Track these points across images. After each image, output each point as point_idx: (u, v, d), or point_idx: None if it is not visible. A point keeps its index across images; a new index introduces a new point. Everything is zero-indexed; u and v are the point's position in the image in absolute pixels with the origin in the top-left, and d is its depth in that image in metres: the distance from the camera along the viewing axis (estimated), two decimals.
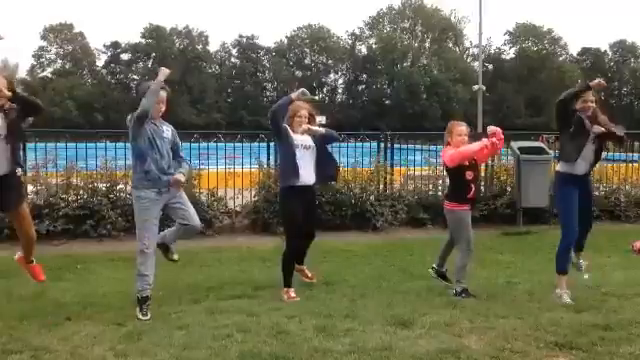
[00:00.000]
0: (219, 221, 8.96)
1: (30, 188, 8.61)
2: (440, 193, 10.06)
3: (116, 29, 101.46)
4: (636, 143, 12.23)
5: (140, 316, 4.75)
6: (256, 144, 10.04)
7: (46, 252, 6.91)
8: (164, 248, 5.30)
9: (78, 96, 55.41)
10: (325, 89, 65.58)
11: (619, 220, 10.11)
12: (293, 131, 5.49)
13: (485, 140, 5.30)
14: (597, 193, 10.29)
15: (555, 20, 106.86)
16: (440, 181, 10.24)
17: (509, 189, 10.02)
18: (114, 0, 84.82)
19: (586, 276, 5.43)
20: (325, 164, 5.63)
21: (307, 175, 5.45)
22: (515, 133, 13.43)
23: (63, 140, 9.16)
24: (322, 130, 5.66)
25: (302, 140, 5.49)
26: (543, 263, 6.32)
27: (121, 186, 8.74)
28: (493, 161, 10.55)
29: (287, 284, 5.45)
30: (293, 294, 5.39)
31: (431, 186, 10.16)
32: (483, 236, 8.80)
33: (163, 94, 4.95)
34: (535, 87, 59.57)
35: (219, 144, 9.55)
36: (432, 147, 11.15)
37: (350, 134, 10.92)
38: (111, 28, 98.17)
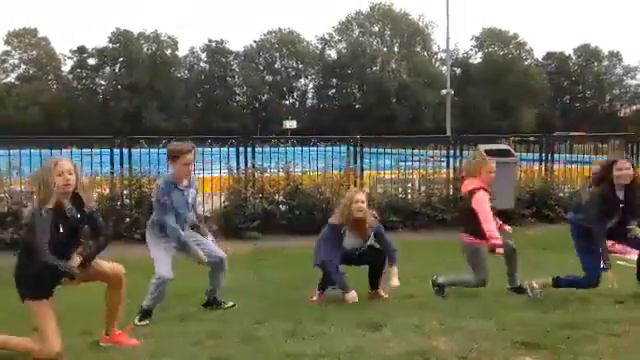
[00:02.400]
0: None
1: None
2: (410, 197, 10.16)
3: (82, 34, 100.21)
4: (600, 145, 12.55)
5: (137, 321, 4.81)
6: (226, 149, 9.99)
7: (10, 262, 6.74)
8: (216, 302, 5.23)
9: (43, 102, 54.41)
10: (295, 93, 65.61)
11: None
12: (349, 219, 5.33)
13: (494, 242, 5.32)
14: (562, 194, 10.53)
15: (520, 25, 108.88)
16: (409, 184, 10.34)
17: None
18: (80, 5, 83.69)
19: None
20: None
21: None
22: (482, 136, 13.63)
23: (27, 147, 8.97)
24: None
25: (352, 245, 5.41)
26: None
27: None
28: (461, 165, 10.70)
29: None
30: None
31: (401, 189, 10.23)
32: (452, 238, 8.90)
33: (190, 157, 4.88)
34: (502, 91, 60.53)
35: None
36: (401, 151, 11.25)
37: (320, 138, 10.96)
38: (77, 33, 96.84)
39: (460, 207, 5.86)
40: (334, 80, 63.63)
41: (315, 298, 5.50)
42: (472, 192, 5.42)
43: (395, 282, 5.29)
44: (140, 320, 4.84)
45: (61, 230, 3.91)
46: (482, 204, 5.35)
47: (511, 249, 5.59)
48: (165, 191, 4.84)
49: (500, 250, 5.33)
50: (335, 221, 5.44)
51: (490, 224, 5.31)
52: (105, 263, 4.30)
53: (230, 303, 5.27)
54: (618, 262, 6.60)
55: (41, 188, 3.90)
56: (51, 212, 3.87)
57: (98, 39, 79.93)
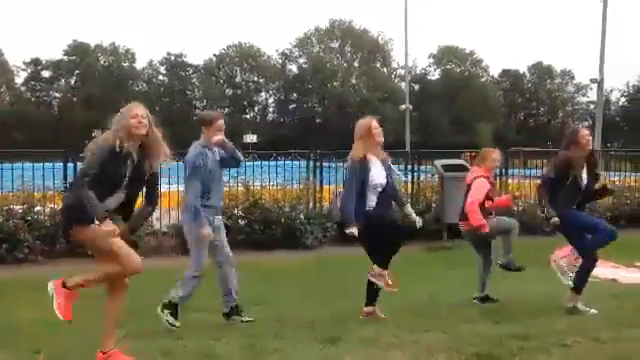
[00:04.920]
0: (144, 242, 8.72)
1: None
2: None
3: (37, 46, 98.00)
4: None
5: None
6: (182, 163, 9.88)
7: None
8: (237, 310, 5.27)
9: None
10: (256, 108, 65.49)
11: (537, 234, 10.57)
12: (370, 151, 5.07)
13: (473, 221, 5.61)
14: (516, 208, 10.77)
15: (476, 43, 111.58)
16: None
17: (434, 205, 10.31)
18: (35, 17, 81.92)
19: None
20: None
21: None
22: (439, 151, 13.85)
23: None
24: None
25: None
26: (465, 277, 6.52)
27: (39, 208, 8.38)
28: (419, 179, 10.87)
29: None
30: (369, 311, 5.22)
31: None
32: (409, 251, 9.00)
33: (221, 122, 5.25)
34: (459, 107, 61.71)
35: None
36: None
37: (281, 153, 10.98)
38: (32, 45, 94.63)
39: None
40: (295, 95, 63.78)
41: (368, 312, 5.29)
42: (474, 179, 5.68)
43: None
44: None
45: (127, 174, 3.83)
46: (478, 188, 5.61)
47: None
48: (200, 155, 5.11)
49: (485, 229, 5.56)
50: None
51: (473, 204, 5.55)
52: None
53: (249, 317, 5.26)
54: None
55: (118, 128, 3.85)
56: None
57: (53, 51, 78.33)
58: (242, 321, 5.21)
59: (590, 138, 5.48)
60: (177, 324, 5.01)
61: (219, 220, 5.29)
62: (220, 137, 5.18)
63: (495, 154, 5.84)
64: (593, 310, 5.28)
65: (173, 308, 5.07)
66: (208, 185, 5.11)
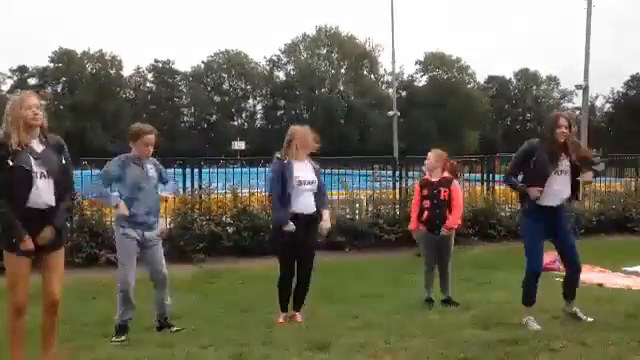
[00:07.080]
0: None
1: None
2: (357, 217, 10.25)
3: (23, 53, 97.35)
4: None
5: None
6: (171, 170, 9.85)
7: None
8: (164, 322, 5.23)
9: None
10: (244, 114, 65.43)
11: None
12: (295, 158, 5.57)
13: None
14: (503, 214, 10.84)
15: (463, 49, 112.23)
16: (357, 205, 10.43)
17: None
18: (21, 24, 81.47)
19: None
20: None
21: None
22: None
23: None
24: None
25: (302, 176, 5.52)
26: (453, 283, 6.53)
27: None
28: (407, 185, 10.89)
29: (281, 309, 5.52)
30: (281, 319, 5.43)
31: (348, 209, 10.31)
32: (398, 257, 9.04)
33: (152, 137, 5.07)
34: (446, 113, 62.00)
35: None
36: (348, 171, 11.37)
37: (269, 159, 10.96)
38: (18, 52, 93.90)
39: None
40: (282, 101, 63.82)
41: (281, 320, 5.46)
42: None
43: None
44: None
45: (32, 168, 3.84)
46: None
47: None
48: (115, 162, 5.05)
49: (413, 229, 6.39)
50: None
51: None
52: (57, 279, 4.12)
53: (176, 327, 5.18)
54: (557, 279, 6.84)
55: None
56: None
57: (40, 58, 77.87)
58: (171, 331, 5.17)
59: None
60: (122, 338, 4.92)
61: (152, 235, 5.06)
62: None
63: (427, 159, 6.31)
64: (536, 326, 5.00)
65: (120, 331, 4.98)
66: (130, 198, 4.94)
